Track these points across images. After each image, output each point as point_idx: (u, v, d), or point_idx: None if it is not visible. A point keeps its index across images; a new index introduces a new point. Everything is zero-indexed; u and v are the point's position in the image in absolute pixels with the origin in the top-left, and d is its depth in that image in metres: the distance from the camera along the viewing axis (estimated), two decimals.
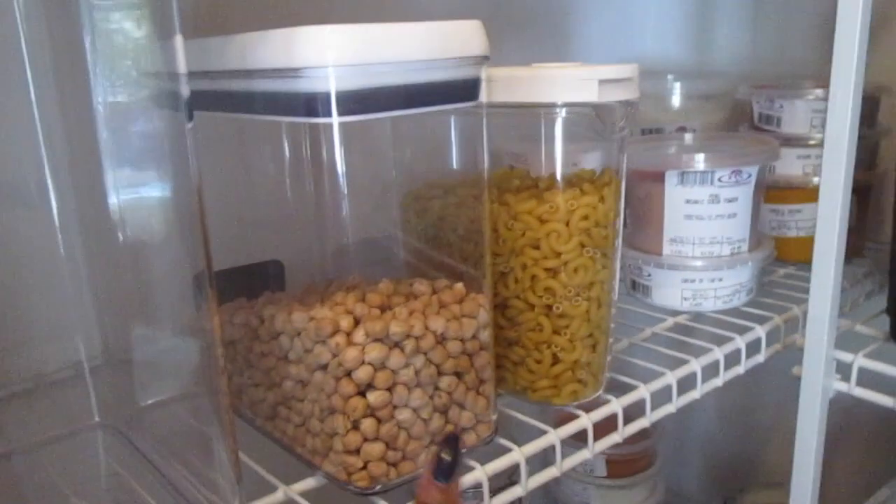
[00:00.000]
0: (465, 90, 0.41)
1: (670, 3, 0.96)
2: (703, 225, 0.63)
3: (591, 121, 0.45)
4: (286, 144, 0.48)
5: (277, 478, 0.45)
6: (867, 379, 0.55)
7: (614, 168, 0.49)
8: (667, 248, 0.65)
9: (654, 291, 0.66)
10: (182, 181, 0.39)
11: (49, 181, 0.50)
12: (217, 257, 0.40)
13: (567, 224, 0.47)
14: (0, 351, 0.50)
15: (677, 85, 0.85)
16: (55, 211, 0.51)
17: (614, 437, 0.52)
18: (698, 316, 0.65)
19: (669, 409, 0.55)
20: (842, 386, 0.55)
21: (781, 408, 0.97)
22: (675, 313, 0.66)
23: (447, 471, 0.36)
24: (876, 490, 0.62)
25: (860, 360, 0.54)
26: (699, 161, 0.61)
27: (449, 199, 0.51)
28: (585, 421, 0.50)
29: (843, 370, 0.56)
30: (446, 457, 0.36)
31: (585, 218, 0.47)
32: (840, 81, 0.50)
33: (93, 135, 0.46)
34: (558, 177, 0.47)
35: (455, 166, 0.50)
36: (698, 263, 0.64)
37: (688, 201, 0.63)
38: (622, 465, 0.88)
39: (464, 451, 0.41)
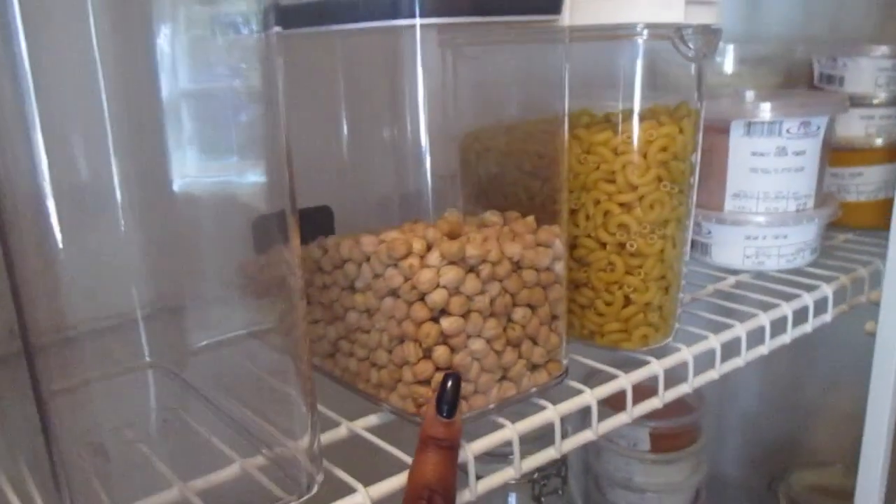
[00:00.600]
0: (549, 1, 0.39)
1: None
2: (769, 179, 0.61)
3: (675, 44, 0.43)
4: (340, 73, 0.46)
5: (339, 415, 0.43)
6: None
7: (691, 102, 0.47)
8: (729, 204, 0.62)
9: (714, 249, 0.64)
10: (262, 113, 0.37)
11: (107, 120, 0.48)
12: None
13: (644, 156, 0.45)
14: (60, 297, 0.48)
15: (730, 48, 0.83)
16: (111, 151, 0.49)
17: (684, 388, 0.49)
18: (760, 275, 0.63)
19: (738, 362, 0.53)
20: None
21: (826, 387, 0.94)
22: (737, 272, 0.63)
23: (450, 406, 0.36)
24: None
25: None
26: (767, 110, 0.59)
27: (514, 134, 0.48)
28: (657, 367, 0.47)
29: None
30: (448, 391, 0.36)
31: (664, 149, 0.45)
32: None
33: (151, 64, 0.44)
34: (636, 105, 0.45)
35: (526, 99, 0.48)
36: (762, 219, 0.61)
37: (753, 153, 0.60)
38: (666, 440, 0.85)
39: (490, 406, 0.40)
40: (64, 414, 0.35)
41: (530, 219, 0.43)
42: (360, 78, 0.47)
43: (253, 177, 0.40)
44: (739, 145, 0.60)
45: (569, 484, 0.75)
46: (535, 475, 0.71)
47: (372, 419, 0.42)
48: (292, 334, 0.36)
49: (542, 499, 0.72)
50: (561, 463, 0.73)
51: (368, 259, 0.40)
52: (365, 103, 0.48)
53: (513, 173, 0.48)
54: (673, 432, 0.85)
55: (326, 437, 0.41)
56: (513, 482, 0.73)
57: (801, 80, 0.77)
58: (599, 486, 0.91)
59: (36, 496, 0.35)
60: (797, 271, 0.63)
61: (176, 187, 0.45)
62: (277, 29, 0.32)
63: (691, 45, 0.43)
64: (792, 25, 0.89)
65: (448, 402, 0.36)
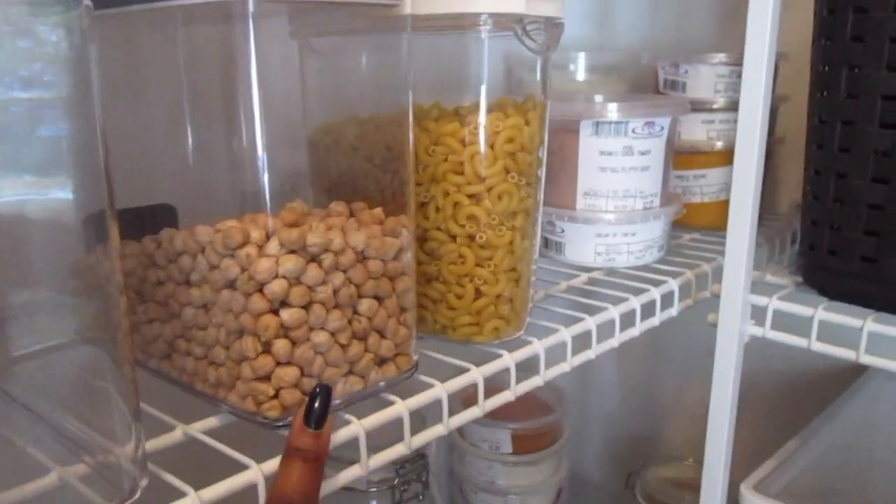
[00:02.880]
0: None
1: None
2: (617, 177, 0.62)
3: (519, 36, 0.43)
4: (179, 60, 0.44)
5: (175, 419, 0.40)
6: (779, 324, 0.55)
7: (537, 95, 0.47)
8: (580, 202, 0.63)
9: (568, 248, 0.65)
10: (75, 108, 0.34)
11: None
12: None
13: (492, 147, 0.45)
14: None
15: (581, 56, 0.85)
16: None
17: (536, 380, 0.49)
18: (611, 272, 0.64)
19: (589, 354, 0.53)
20: (756, 330, 0.55)
21: (679, 385, 0.98)
22: (589, 269, 0.64)
23: (319, 417, 0.35)
24: (783, 444, 0.62)
25: (774, 303, 0.54)
26: (613, 111, 0.60)
27: (364, 128, 0.47)
28: (508, 360, 0.47)
29: (757, 316, 0.55)
30: (317, 403, 0.35)
31: (510, 140, 0.45)
32: (756, 39, 0.49)
33: None
34: (483, 97, 0.45)
35: (374, 92, 0.47)
36: (612, 217, 0.63)
37: (602, 153, 0.62)
38: (528, 441, 0.86)
39: (336, 402, 0.39)
40: None
41: (378, 210, 0.42)
42: (198, 67, 0.45)
43: (61, 181, 0.37)
44: (589, 144, 0.61)
45: (430, 489, 0.74)
46: (396, 480, 0.70)
47: (211, 421, 0.40)
48: (112, 336, 0.33)
49: None
50: (421, 468, 0.72)
51: (204, 250, 0.38)
52: (202, 94, 0.46)
53: (362, 166, 0.47)
54: (534, 433, 0.86)
55: (160, 442, 0.38)
56: (373, 489, 0.72)
57: (647, 87, 0.80)
58: (463, 490, 0.90)
59: None
60: (646, 268, 0.65)
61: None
62: (87, 3, 0.30)
63: (535, 38, 0.44)
64: (639, 35, 0.93)
65: (317, 413, 0.35)
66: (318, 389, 0.35)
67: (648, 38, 0.92)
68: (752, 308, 0.55)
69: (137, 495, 0.32)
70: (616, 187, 0.62)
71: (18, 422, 0.40)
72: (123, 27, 0.42)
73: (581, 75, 0.86)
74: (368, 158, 0.47)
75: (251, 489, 0.35)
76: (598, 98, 0.69)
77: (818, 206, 0.52)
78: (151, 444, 0.38)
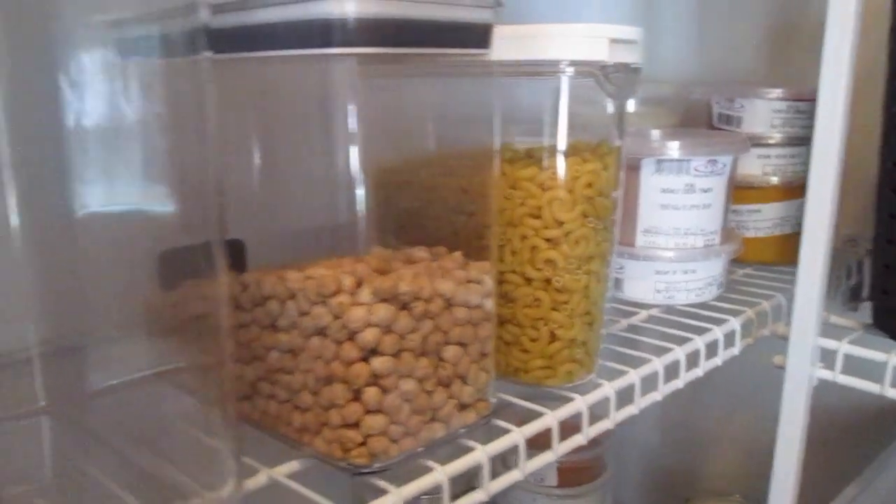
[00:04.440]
0: (478, 35, 0.39)
1: (616, 14, 0.96)
2: (679, 215, 0.62)
3: (600, 82, 0.43)
4: (254, 101, 0.44)
5: (255, 461, 0.40)
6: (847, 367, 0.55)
7: (612, 139, 0.47)
8: (640, 240, 0.63)
9: (626, 284, 0.64)
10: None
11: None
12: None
13: (570, 192, 0.45)
14: None
15: None
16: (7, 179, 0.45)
17: (606, 424, 0.49)
18: (670, 309, 0.64)
19: (655, 396, 0.53)
20: (825, 374, 0.54)
21: (722, 421, 0.97)
22: (648, 306, 0.64)
23: None
24: (844, 488, 0.62)
25: (845, 347, 0.53)
26: (676, 148, 0.60)
27: (435, 168, 0.48)
28: (581, 403, 0.47)
29: (826, 359, 0.55)
30: None
31: (589, 185, 0.45)
32: (830, 73, 0.49)
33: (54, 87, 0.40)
34: (562, 142, 0.45)
35: (448, 133, 0.47)
36: (672, 254, 0.62)
37: (663, 190, 0.62)
38: (573, 474, 0.86)
39: (419, 450, 0.38)
40: None
41: (458, 254, 0.43)
42: (277, 107, 0.45)
43: (169, 207, 0.38)
44: (650, 182, 0.61)
45: None
46: None
47: (294, 465, 0.40)
48: (216, 375, 0.33)
49: None
50: None
51: (294, 296, 0.38)
52: (282, 133, 0.46)
53: (435, 208, 0.47)
54: (579, 466, 0.86)
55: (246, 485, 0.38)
56: None
57: (697, 121, 0.80)
58: None
59: None
60: (705, 305, 0.64)
61: (79, 219, 0.42)
62: (207, 54, 0.30)
63: (614, 84, 0.44)
64: (688, 71, 0.93)
65: None
66: None
67: (696, 71, 0.92)
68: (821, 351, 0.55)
69: None
70: (677, 225, 0.62)
71: (103, 462, 0.40)
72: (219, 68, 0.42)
73: (631, 107, 0.86)
74: (442, 200, 0.47)
75: None
76: (656, 133, 0.69)
77: (892, 250, 0.51)
78: (219, 490, 0.38)
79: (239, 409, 0.43)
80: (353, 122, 0.36)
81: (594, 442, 0.88)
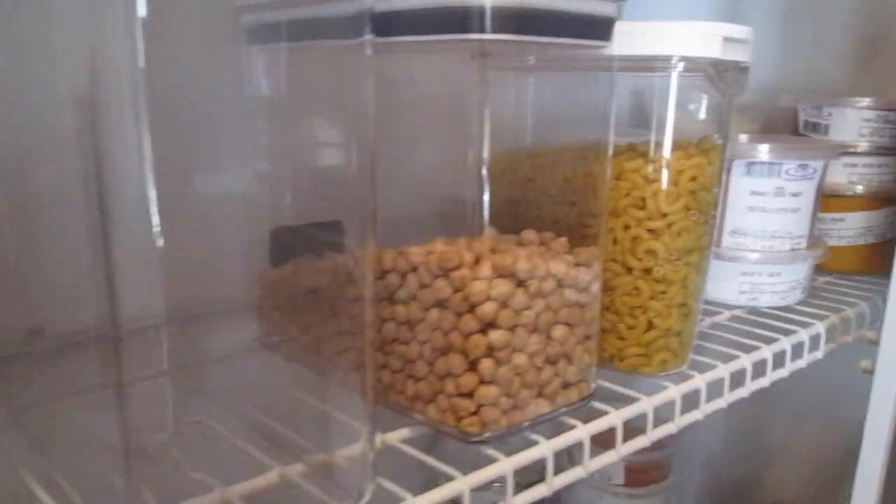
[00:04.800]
0: (602, 27, 0.40)
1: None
2: (766, 218, 0.63)
3: (711, 79, 0.45)
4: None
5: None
6: None
7: (716, 136, 0.48)
8: (727, 240, 0.64)
9: (711, 284, 0.65)
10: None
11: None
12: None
13: (675, 184, 0.46)
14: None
15: None
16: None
17: (696, 414, 0.50)
18: (753, 311, 0.65)
19: (742, 392, 0.54)
20: None
21: (787, 429, 0.96)
22: (731, 307, 0.65)
23: None
24: None
25: None
26: (767, 151, 0.61)
27: (540, 159, 0.49)
28: (674, 392, 0.48)
29: None
30: None
31: (693, 179, 0.46)
32: None
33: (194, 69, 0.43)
34: (668, 136, 0.46)
35: (555, 124, 0.49)
36: (758, 256, 0.63)
37: (753, 192, 0.62)
38: (639, 474, 0.86)
39: (525, 423, 0.39)
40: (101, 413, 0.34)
41: (563, 240, 0.44)
42: (402, 94, 0.47)
43: (306, 184, 0.40)
44: (740, 184, 0.62)
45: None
46: None
47: (405, 432, 0.42)
48: (356, 342, 0.35)
49: None
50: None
51: (415, 269, 0.40)
52: (407, 118, 0.48)
53: (538, 197, 0.49)
54: (647, 466, 0.86)
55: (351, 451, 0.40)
56: None
57: (779, 128, 0.81)
58: None
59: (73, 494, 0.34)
60: (788, 309, 0.65)
61: (207, 195, 0.45)
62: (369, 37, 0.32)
63: (725, 81, 0.45)
64: (772, 79, 0.93)
65: None
66: None
67: (779, 79, 0.92)
68: None
69: (367, 498, 0.34)
70: (765, 227, 0.63)
71: (229, 421, 0.43)
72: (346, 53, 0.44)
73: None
74: (544, 190, 0.48)
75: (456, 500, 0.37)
76: (744, 137, 0.70)
77: None
78: (350, 451, 0.40)
79: (348, 378, 0.46)
80: (481, 111, 0.38)
81: (660, 444, 0.89)
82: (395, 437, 0.41)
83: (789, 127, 0.79)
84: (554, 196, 0.48)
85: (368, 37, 0.32)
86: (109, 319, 0.30)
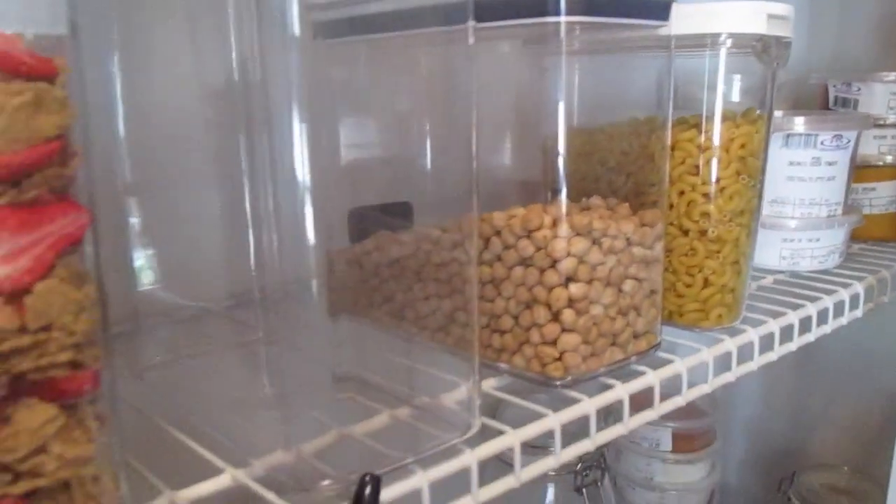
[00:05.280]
0: (662, 8, 0.45)
1: None
2: (805, 186, 0.67)
3: (757, 54, 0.49)
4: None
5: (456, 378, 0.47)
6: None
7: (762, 107, 0.53)
8: (767, 209, 0.68)
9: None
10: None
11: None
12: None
13: (727, 151, 0.50)
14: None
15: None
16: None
17: (750, 365, 0.54)
18: (794, 274, 0.69)
19: (791, 346, 0.58)
20: None
21: (828, 396, 1.00)
22: (773, 272, 0.69)
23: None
24: None
25: None
26: (803, 124, 0.65)
27: (596, 135, 0.54)
28: (730, 344, 0.52)
29: None
30: (367, 492, 0.33)
31: (742, 147, 0.50)
32: None
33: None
34: (717, 108, 0.50)
35: (611, 101, 0.53)
36: (797, 223, 0.67)
37: (791, 163, 0.66)
38: (686, 441, 0.90)
39: (600, 370, 0.44)
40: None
41: (626, 206, 0.48)
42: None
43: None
44: (778, 155, 0.66)
45: (606, 476, 0.79)
46: (578, 465, 0.75)
47: (491, 381, 0.46)
48: (469, 292, 0.40)
49: (584, 490, 0.76)
50: (600, 454, 0.77)
51: (499, 233, 0.44)
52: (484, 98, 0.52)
53: (595, 170, 0.53)
54: (693, 433, 0.90)
55: (457, 395, 0.45)
56: (552, 473, 0.77)
57: (814, 103, 0.85)
58: (618, 486, 0.95)
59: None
60: (826, 272, 0.69)
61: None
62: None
63: (770, 55, 0.49)
64: (798, 55, 0.97)
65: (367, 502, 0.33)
66: (367, 479, 0.33)
67: (807, 58, 0.96)
68: None
69: (475, 430, 0.39)
70: (803, 195, 0.67)
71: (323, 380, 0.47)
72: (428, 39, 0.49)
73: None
74: (602, 163, 0.53)
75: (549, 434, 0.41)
76: (778, 113, 0.74)
77: None
78: (457, 395, 0.44)
79: (433, 339, 0.50)
80: (546, 92, 0.43)
81: (704, 412, 0.93)
82: (489, 384, 0.46)
83: (819, 103, 0.83)
84: (611, 168, 0.52)
85: (471, 23, 0.37)
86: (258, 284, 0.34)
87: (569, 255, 0.42)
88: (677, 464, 0.90)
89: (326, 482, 0.34)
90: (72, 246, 0.25)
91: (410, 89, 0.48)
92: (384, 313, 0.51)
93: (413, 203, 0.56)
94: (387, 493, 0.35)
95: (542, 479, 0.77)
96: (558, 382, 0.44)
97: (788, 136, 0.66)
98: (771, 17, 0.48)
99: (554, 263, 0.42)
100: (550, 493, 0.79)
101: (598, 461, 0.77)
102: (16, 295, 0.24)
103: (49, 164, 0.24)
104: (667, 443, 0.90)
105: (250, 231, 0.55)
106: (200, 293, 0.54)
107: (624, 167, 0.52)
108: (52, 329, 0.24)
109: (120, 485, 0.27)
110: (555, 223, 0.43)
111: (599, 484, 0.78)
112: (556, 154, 0.43)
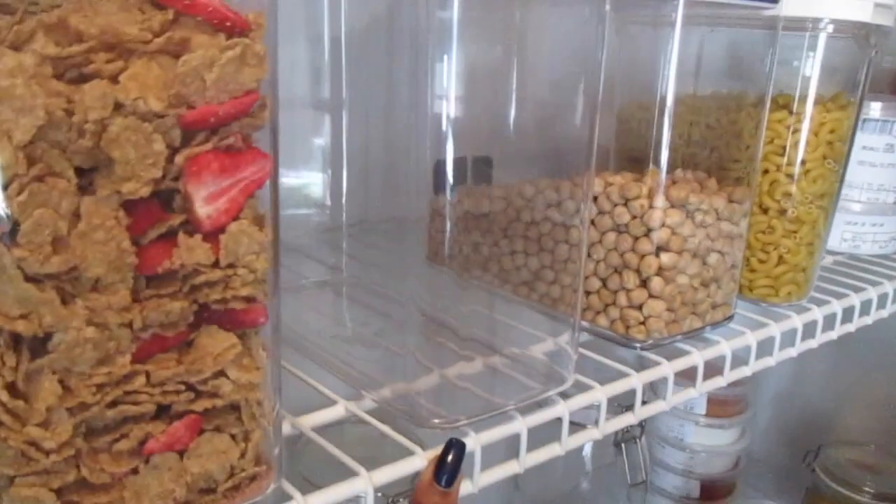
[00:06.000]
0: None
1: None
2: (875, 171, 0.68)
3: (859, 41, 0.50)
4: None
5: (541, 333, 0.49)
6: None
7: (854, 93, 0.54)
8: None
9: None
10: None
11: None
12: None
13: (816, 135, 0.52)
14: None
15: None
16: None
17: (811, 343, 0.56)
18: (853, 257, 0.70)
19: (849, 328, 0.60)
20: None
21: (860, 375, 1.02)
22: (834, 253, 0.70)
23: (450, 475, 0.33)
24: None
25: None
26: (880, 109, 0.66)
27: (679, 107, 0.55)
28: (797, 321, 0.54)
29: None
30: (451, 458, 0.34)
31: (832, 132, 0.52)
32: None
33: None
34: (811, 92, 0.51)
35: (701, 75, 0.54)
36: (862, 207, 0.68)
37: (864, 147, 0.67)
38: (720, 407, 0.93)
39: (677, 336, 0.46)
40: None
41: (713, 180, 0.50)
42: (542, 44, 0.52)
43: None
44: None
45: (644, 435, 0.82)
46: None
47: (566, 338, 0.49)
48: (577, 252, 0.42)
49: (622, 445, 0.79)
50: None
51: (595, 198, 0.46)
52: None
53: (673, 141, 0.54)
54: (727, 400, 0.93)
55: (545, 347, 0.47)
56: None
57: (884, 88, 0.85)
58: (649, 443, 0.98)
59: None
60: (886, 257, 0.70)
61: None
62: None
63: (871, 44, 0.50)
64: None
65: (449, 470, 0.33)
66: (452, 444, 0.34)
67: None
68: None
69: (569, 384, 0.41)
70: (871, 180, 0.68)
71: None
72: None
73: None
74: (681, 136, 0.54)
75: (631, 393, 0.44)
76: None
77: None
78: (542, 347, 0.46)
79: (518, 292, 0.52)
80: (668, 61, 0.44)
81: (739, 381, 0.95)
82: (565, 339, 0.48)
83: (886, 88, 0.84)
84: (694, 141, 0.54)
85: None
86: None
87: (664, 225, 0.44)
88: (709, 427, 0.93)
89: (437, 420, 0.37)
90: (258, 190, 0.27)
91: (539, 47, 0.49)
92: (483, 268, 0.53)
93: (504, 158, 0.58)
94: (487, 436, 0.37)
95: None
96: (639, 345, 0.46)
97: (865, 120, 0.66)
98: (877, 5, 0.49)
99: (648, 232, 0.44)
100: (588, 445, 0.82)
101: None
102: (213, 233, 0.26)
103: (246, 114, 0.26)
104: (701, 407, 0.93)
105: (344, 171, 0.58)
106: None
107: (709, 141, 0.53)
108: (237, 266, 0.27)
109: (278, 403, 0.30)
110: (651, 194, 0.45)
111: (637, 441, 0.81)
112: (658, 126, 0.45)
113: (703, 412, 0.93)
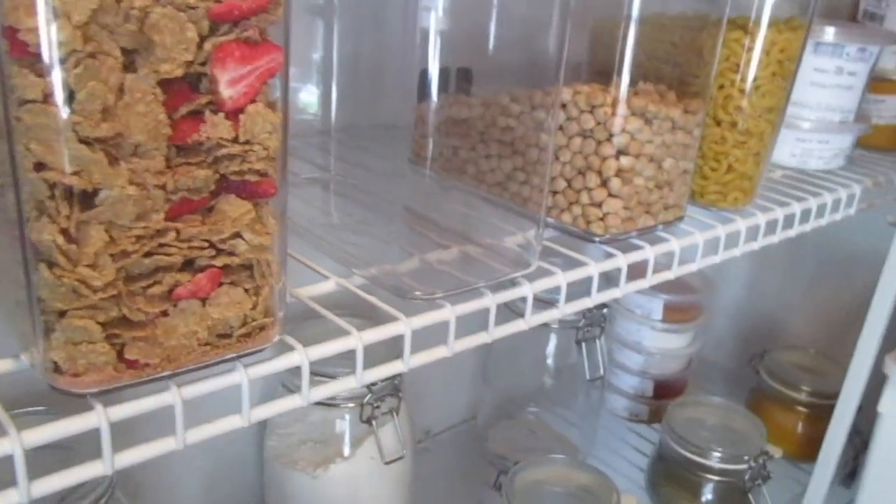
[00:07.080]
0: None
1: None
2: (825, 92, 0.73)
3: None
4: None
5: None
6: None
7: (804, 16, 0.58)
8: (787, 110, 0.74)
9: None
10: None
11: None
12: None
13: (767, 54, 0.56)
14: None
15: None
16: None
17: (753, 245, 0.62)
18: (801, 171, 0.76)
19: (805, 228, 0.66)
20: None
21: (809, 285, 1.10)
22: (783, 168, 0.76)
23: None
24: None
25: None
26: (833, 34, 0.71)
27: (643, 28, 0.59)
28: (741, 224, 0.60)
29: None
30: None
31: (782, 51, 0.57)
32: None
33: None
34: (766, 14, 0.56)
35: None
36: (811, 125, 0.74)
37: (816, 69, 0.72)
38: (676, 313, 1.00)
39: (633, 233, 0.51)
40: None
41: (672, 93, 0.55)
42: None
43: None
44: (806, 61, 0.72)
45: (603, 335, 0.88)
46: (581, 322, 0.85)
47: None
48: (539, 154, 0.47)
49: (583, 343, 0.86)
50: (601, 315, 0.86)
51: (564, 106, 0.51)
52: None
53: (638, 57, 0.59)
54: (682, 307, 1.00)
55: (517, 239, 0.52)
56: (555, 325, 0.87)
57: (840, 12, 0.90)
58: (608, 346, 1.05)
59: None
60: (831, 172, 0.76)
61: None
62: None
63: None
64: None
65: None
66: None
67: None
68: None
69: (533, 268, 0.47)
70: (821, 100, 0.73)
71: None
72: None
73: None
74: (648, 53, 0.58)
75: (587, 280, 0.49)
76: None
77: None
78: (513, 240, 0.51)
79: (492, 192, 0.57)
80: None
81: (695, 289, 1.02)
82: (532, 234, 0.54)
83: (846, 14, 0.88)
84: (659, 57, 0.58)
85: None
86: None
87: (624, 131, 0.49)
88: (665, 332, 1.00)
89: (418, 292, 0.42)
90: (271, 78, 0.31)
91: None
92: (461, 170, 0.58)
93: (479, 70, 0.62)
94: (460, 309, 0.43)
95: (545, 329, 0.86)
96: (597, 238, 0.52)
97: (818, 44, 0.71)
98: None
99: (610, 137, 0.49)
100: (552, 342, 0.89)
101: (599, 320, 0.86)
102: (233, 113, 0.30)
103: (264, 10, 0.30)
104: (658, 312, 0.99)
105: (334, 78, 0.62)
106: None
107: (672, 57, 0.58)
108: (253, 143, 0.31)
109: (284, 270, 0.35)
110: (615, 102, 0.50)
111: (597, 340, 0.87)
112: (623, 41, 0.49)
113: (660, 318, 0.99)
